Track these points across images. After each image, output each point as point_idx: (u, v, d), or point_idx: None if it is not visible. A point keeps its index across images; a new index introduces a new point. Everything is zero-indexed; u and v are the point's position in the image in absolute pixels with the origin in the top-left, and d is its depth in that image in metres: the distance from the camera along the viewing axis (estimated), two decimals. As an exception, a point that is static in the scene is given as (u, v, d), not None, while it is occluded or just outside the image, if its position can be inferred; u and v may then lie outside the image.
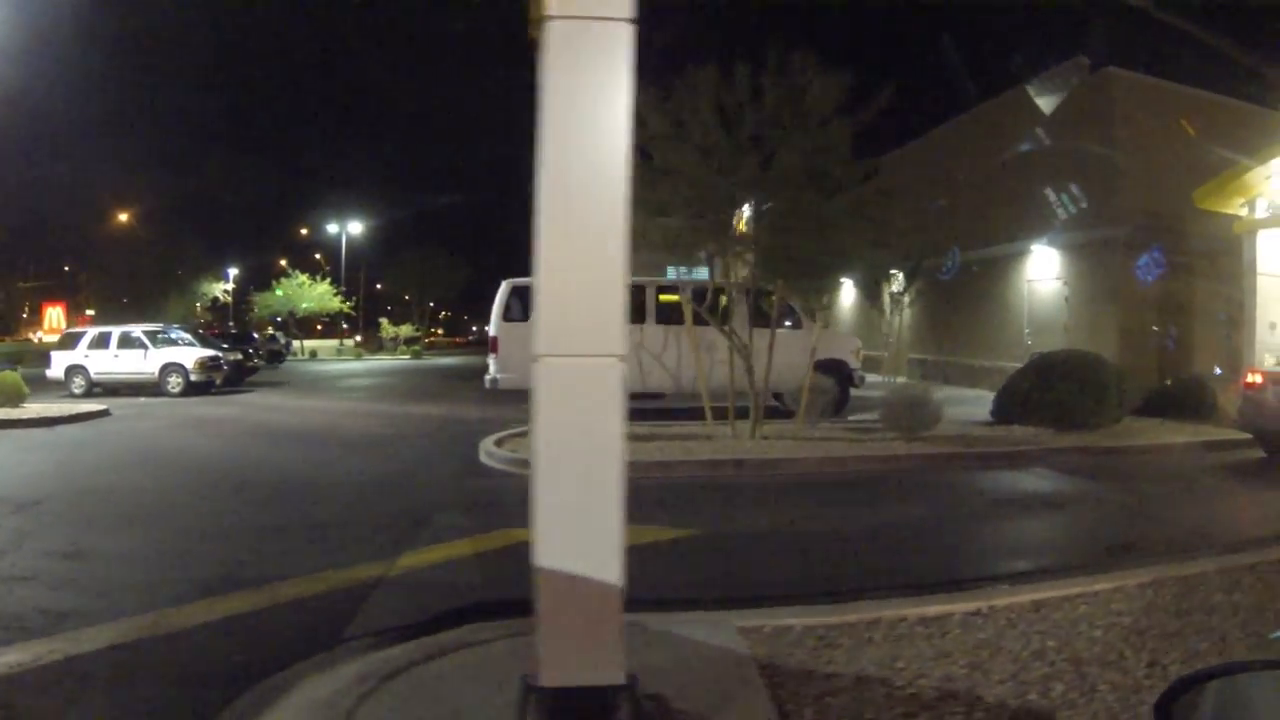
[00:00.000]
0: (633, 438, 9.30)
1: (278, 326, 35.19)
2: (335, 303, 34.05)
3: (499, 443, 8.10)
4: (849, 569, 4.44)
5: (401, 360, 32.51)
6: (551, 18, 2.05)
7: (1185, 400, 10.67)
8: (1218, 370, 10.90)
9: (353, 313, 35.86)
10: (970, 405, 10.99)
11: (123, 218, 34.57)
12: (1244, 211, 9.83)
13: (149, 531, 5.02)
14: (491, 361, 10.85)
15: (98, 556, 4.45)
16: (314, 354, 34.23)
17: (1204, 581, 3.87)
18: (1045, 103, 12.62)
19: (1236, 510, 5.96)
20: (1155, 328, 11.42)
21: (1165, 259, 10.69)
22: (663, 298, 10.91)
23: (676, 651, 2.88)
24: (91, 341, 16.15)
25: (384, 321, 37.74)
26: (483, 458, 7.70)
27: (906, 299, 14.92)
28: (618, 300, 2.15)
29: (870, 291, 16.13)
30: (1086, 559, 4.57)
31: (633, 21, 2.09)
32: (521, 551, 4.38)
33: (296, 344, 33.51)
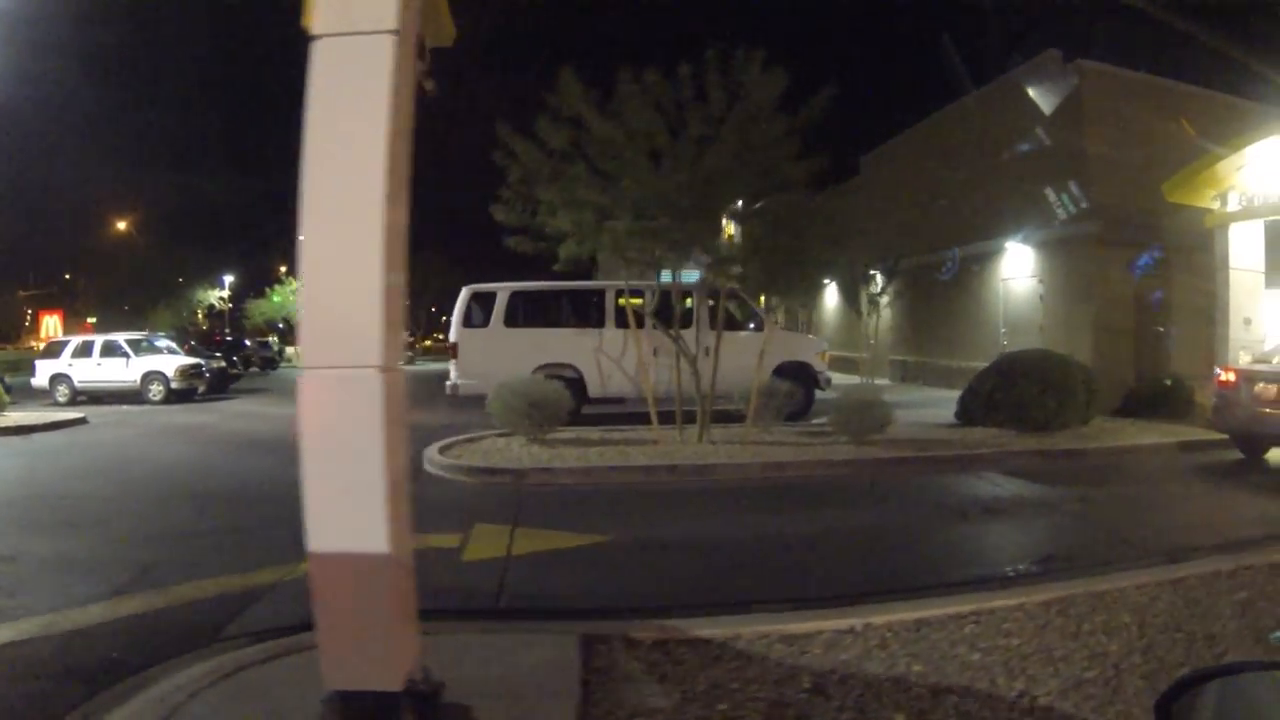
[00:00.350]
0: (576, 443, 9.17)
1: (281, 334, 35.26)
2: (329, 309, 33.95)
3: (443, 450, 8.00)
4: (747, 579, 4.25)
5: (394, 366, 32.29)
6: (318, 35, 2.11)
7: (1163, 400, 10.36)
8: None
9: (347, 319, 35.63)
10: (942, 407, 10.72)
11: (121, 225, 34.85)
12: (1216, 204, 9.52)
13: (87, 536, 5.15)
14: (452, 367, 10.81)
15: (30, 559, 4.57)
16: (307, 360, 34.12)
17: (1118, 599, 3.62)
18: (1018, 98, 12.34)
19: (1186, 518, 5.64)
20: (1160, 328, 11.07)
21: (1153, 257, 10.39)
22: (621, 302, 10.74)
23: (509, 662, 2.84)
24: (75, 350, 16.32)
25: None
26: (425, 464, 7.60)
27: (884, 300, 14.67)
28: (376, 310, 2.11)
29: (848, 293, 15.89)
30: (1009, 572, 4.33)
31: (395, 33, 2.09)
32: (429, 558, 4.26)
33: (291, 350, 33.51)
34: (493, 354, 10.22)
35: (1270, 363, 7.84)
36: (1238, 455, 7.96)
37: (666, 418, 8.58)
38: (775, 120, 7.25)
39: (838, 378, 17.65)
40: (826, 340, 12.31)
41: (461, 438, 8.67)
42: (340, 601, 2.11)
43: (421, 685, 2.24)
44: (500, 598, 3.93)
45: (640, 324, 9.05)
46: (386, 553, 2.08)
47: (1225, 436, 8.66)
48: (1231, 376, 7.75)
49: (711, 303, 10.94)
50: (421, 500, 6.18)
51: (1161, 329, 11.20)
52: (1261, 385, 7.36)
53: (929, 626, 3.30)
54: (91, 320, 36.00)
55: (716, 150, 7.18)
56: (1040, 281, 12.05)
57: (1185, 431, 9.08)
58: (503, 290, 10.77)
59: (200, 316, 38.62)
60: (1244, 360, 9.53)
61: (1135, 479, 7.12)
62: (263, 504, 5.94)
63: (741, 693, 2.68)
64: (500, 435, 8.72)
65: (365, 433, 2.10)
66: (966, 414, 9.31)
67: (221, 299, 38.11)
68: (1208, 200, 9.56)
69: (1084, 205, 10.76)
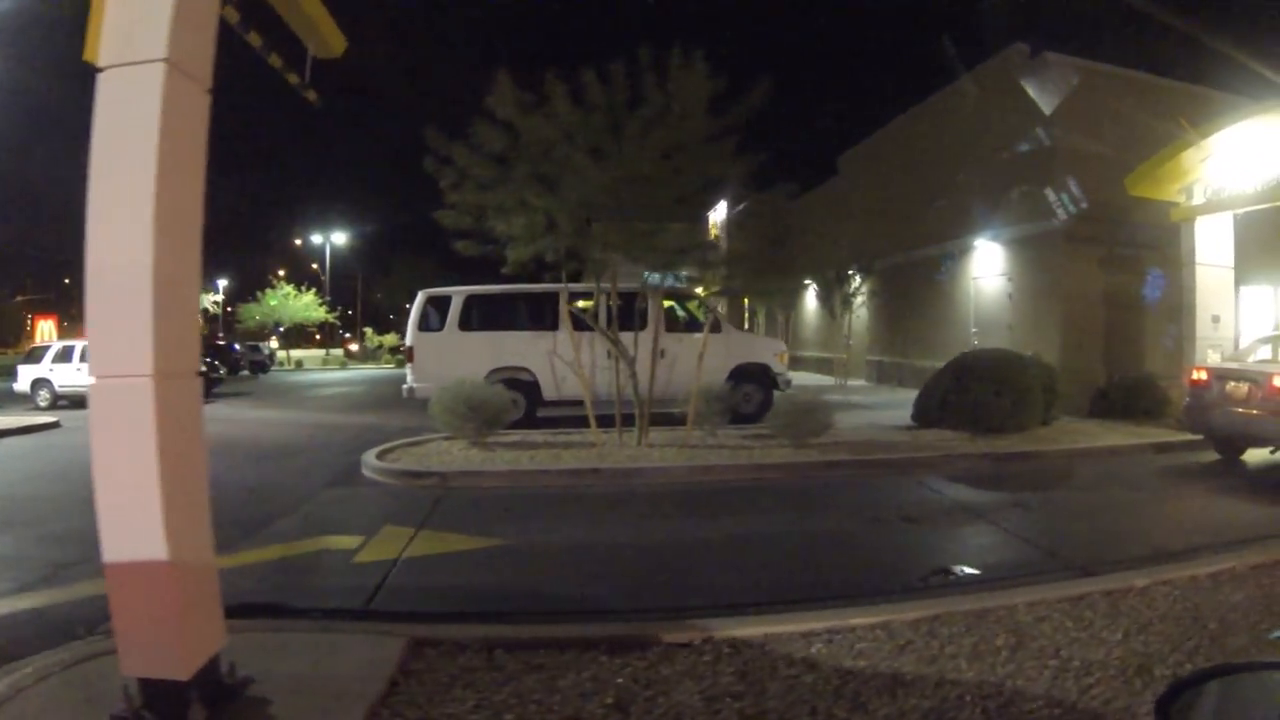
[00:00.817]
0: (516, 446, 8.95)
1: (280, 337, 35.31)
2: (320, 313, 34.07)
3: (381, 454, 7.92)
4: (620, 586, 4.09)
5: (383, 369, 32.37)
6: (104, 68, 2.26)
7: (1134, 400, 10.02)
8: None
9: (338, 323, 35.84)
10: (908, 409, 10.39)
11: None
12: (1182, 198, 9.19)
13: (14, 535, 5.17)
14: (408, 371, 10.72)
15: (-54, 557, 4.56)
16: (300, 364, 34.26)
17: (1002, 618, 3.33)
18: (985, 93, 12.06)
19: (1124, 526, 5.31)
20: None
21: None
22: (576, 304, 10.55)
23: (330, 661, 2.82)
24: (56, 355, 16.63)
25: (369, 331, 37.72)
26: (362, 467, 7.52)
27: (857, 300, 14.38)
28: (146, 323, 2.21)
29: (823, 295, 15.63)
30: (897, 585, 4.05)
31: (166, 61, 2.22)
32: (323, 558, 4.53)
33: (281, 354, 33.54)
34: (447, 357, 10.17)
35: (1244, 361, 7.54)
36: (1202, 457, 7.68)
37: (626, 420, 8.41)
38: (704, 119, 7.04)
39: (814, 379, 17.44)
40: (785, 343, 12.04)
41: (406, 441, 8.66)
42: (129, 600, 2.24)
43: (225, 678, 2.40)
44: (373, 599, 3.84)
45: (584, 327, 8.83)
46: (165, 560, 2.18)
47: (1194, 437, 8.37)
48: (1204, 375, 7.46)
49: (668, 305, 10.76)
50: (347, 503, 6.22)
51: (1131, 327, 10.88)
52: (1233, 384, 7.07)
53: (777, 642, 3.06)
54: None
55: (647, 149, 6.97)
56: (1009, 280, 11.75)
57: (1153, 433, 8.77)
58: (457, 294, 10.69)
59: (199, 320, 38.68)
60: (1213, 359, 9.21)
61: (1084, 484, 6.80)
62: None
63: (539, 705, 2.54)
64: (446, 439, 8.60)
65: (141, 442, 2.18)
66: (922, 416, 9.03)
67: (215, 303, 38.23)
68: (1173, 194, 9.25)
69: (1050, 201, 10.46)
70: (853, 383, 15.49)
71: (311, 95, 4.06)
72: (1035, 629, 3.24)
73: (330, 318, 34.50)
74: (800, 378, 18.56)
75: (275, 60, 3.79)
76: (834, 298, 14.61)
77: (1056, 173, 10.55)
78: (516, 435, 8.96)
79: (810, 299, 18.70)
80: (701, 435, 8.29)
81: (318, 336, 45.34)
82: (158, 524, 2.18)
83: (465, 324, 10.56)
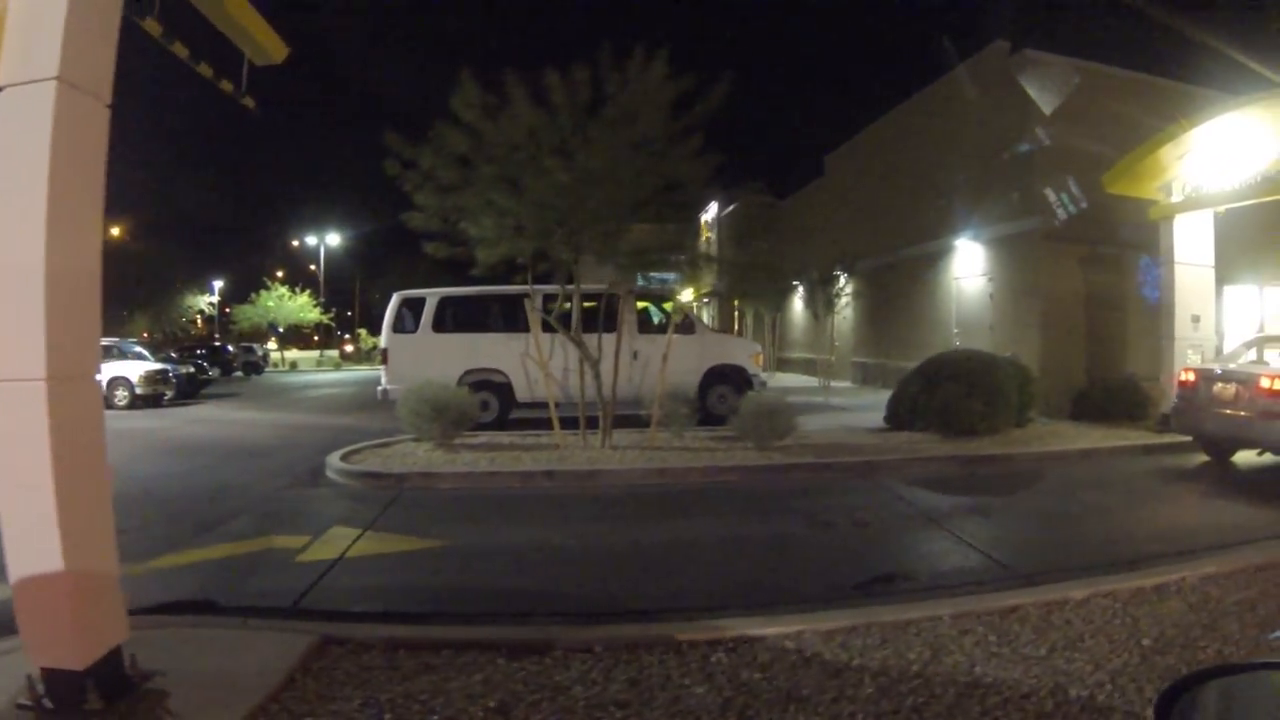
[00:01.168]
0: (481, 448, 8.90)
1: (279, 338, 35.30)
2: (315, 314, 34.03)
3: (346, 456, 7.88)
4: (549, 589, 4.05)
5: (376, 371, 32.26)
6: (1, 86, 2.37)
7: (1116, 401, 9.84)
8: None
9: (333, 324, 35.81)
10: (884, 411, 10.28)
11: (114, 231, 35.13)
12: (1161, 196, 9.02)
13: None
14: (383, 373, 10.68)
15: None
16: (294, 365, 34.24)
17: (917, 633, 3.20)
18: (965, 91, 11.90)
19: (1083, 534, 5.15)
20: (1113, 327, 10.55)
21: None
22: (558, 306, 10.47)
23: (237, 657, 2.87)
24: None
25: (363, 333, 37.68)
26: (326, 469, 7.48)
27: (841, 302, 14.22)
28: (38, 325, 2.27)
29: (808, 296, 15.47)
30: (825, 594, 3.91)
31: (59, 79, 2.31)
32: (266, 558, 4.58)
33: (276, 355, 33.52)
34: (421, 359, 10.16)
35: (1235, 362, 7.39)
36: (1180, 461, 7.53)
37: (593, 423, 8.32)
38: (664, 120, 6.93)
39: (800, 380, 17.29)
40: (775, 345, 11.92)
41: (374, 443, 8.64)
42: (30, 597, 2.34)
43: (127, 670, 2.52)
44: (303, 598, 3.83)
45: (549, 328, 8.75)
46: (59, 561, 2.29)
47: (1172, 440, 8.23)
48: (1191, 377, 7.32)
49: (643, 307, 10.65)
50: (304, 503, 6.31)
51: (1114, 328, 10.71)
52: (1220, 386, 6.92)
53: (679, 650, 2.96)
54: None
55: (608, 150, 6.87)
56: (990, 280, 11.58)
57: (1131, 435, 8.60)
58: (431, 296, 10.69)
59: (200, 322, 38.76)
60: (1193, 359, 9.04)
61: (1050, 488, 6.61)
62: (154, 505, 5.95)
63: (422, 705, 2.54)
64: (414, 441, 8.54)
65: (35, 445, 2.24)
66: (894, 418, 8.88)
67: (211, 304, 38.27)
68: (1153, 191, 9.07)
69: (1029, 200, 10.30)
70: (837, 384, 15.34)
71: (249, 102, 4.02)
72: (955, 643, 3.10)
73: (325, 319, 34.48)
74: (786, 379, 18.46)
75: (205, 70, 3.77)
76: (817, 299, 14.46)
77: (1035, 171, 10.40)
78: (484, 437, 8.91)
79: (798, 301, 18.56)
80: (667, 437, 8.17)
81: (316, 338, 45.37)
82: (53, 526, 2.28)
83: (439, 326, 10.53)
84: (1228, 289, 10.15)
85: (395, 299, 10.78)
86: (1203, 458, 7.52)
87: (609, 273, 9.28)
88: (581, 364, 8.10)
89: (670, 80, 6.81)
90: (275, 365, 33.01)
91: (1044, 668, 2.86)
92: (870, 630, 3.21)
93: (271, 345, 37.31)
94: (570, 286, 8.33)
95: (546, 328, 10.00)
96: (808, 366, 16.61)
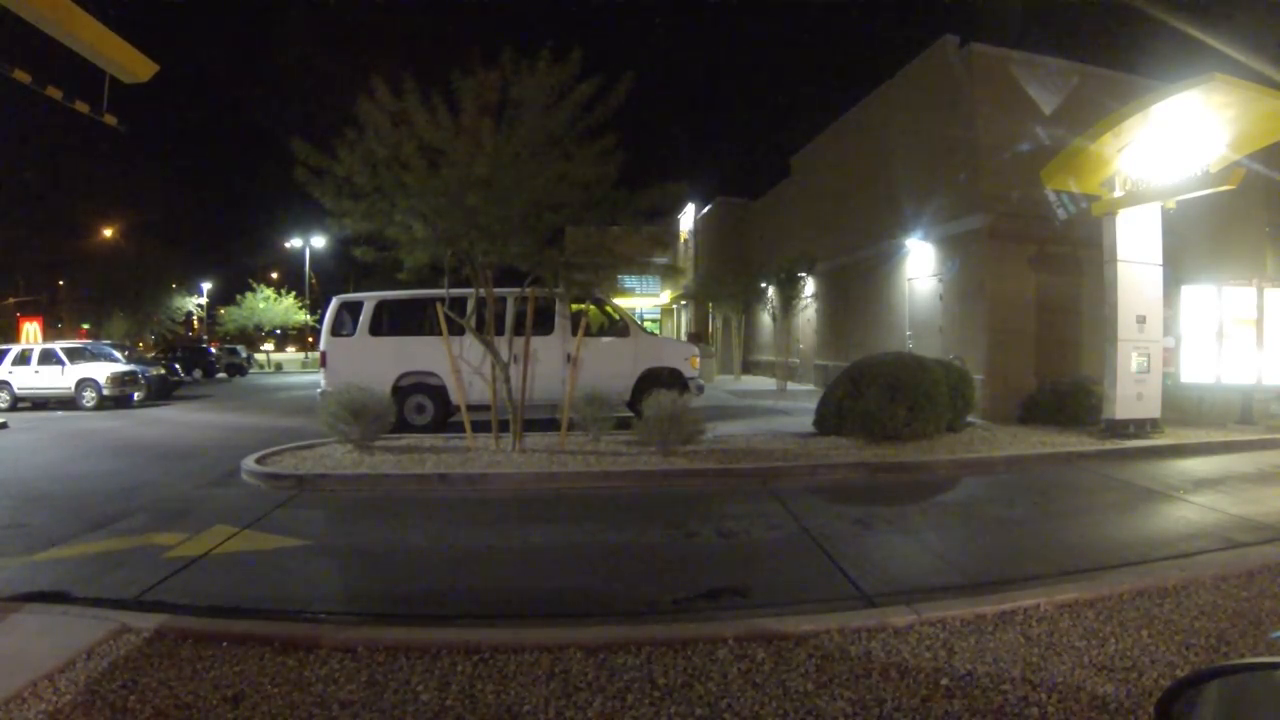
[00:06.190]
0: (398, 450, 8.79)
1: (274, 339, 35.30)
2: (301, 316, 34.00)
3: (262, 458, 7.87)
4: (379, 590, 4.08)
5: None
6: None
7: (1066, 406, 9.51)
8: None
9: (318, 326, 35.71)
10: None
11: (106, 233, 35.27)
12: (1105, 191, 8.67)
13: None
14: (322, 376, 10.61)
15: None
16: (279, 367, 34.22)
17: (677, 651, 2.98)
18: (914, 88, 11.58)
19: (967, 550, 4.79)
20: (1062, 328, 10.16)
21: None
22: (487, 311, 10.29)
23: (38, 640, 3.03)
24: (15, 358, 17.18)
25: (349, 335, 37.50)
26: (241, 470, 7.48)
27: (801, 303, 13.92)
28: None
29: (776, 298, 15.18)
30: (638, 607, 3.66)
31: None
32: (139, 553, 4.67)
33: (261, 357, 33.49)
34: (358, 362, 10.13)
35: None
36: (1112, 470, 7.15)
37: (549, 425, 8.18)
38: (563, 120, 6.71)
39: (762, 383, 16.96)
40: (699, 347, 11.61)
41: (296, 445, 8.66)
42: None
43: None
44: (149, 590, 3.93)
45: (470, 331, 8.58)
46: None
47: (1113, 446, 7.93)
48: None
49: (576, 309, 10.41)
50: (206, 502, 6.23)
51: (1067, 329, 10.34)
52: None
53: (434, 657, 2.92)
54: (85, 326, 36.53)
55: (504, 153, 6.67)
56: (940, 280, 11.25)
57: (1070, 442, 8.25)
58: (369, 299, 10.67)
59: (196, 324, 38.82)
60: (1139, 362, 8.69)
61: (954, 500, 6.15)
62: (66, 503, 6.16)
63: (170, 691, 2.65)
64: (339, 443, 8.42)
65: None
66: (822, 423, 8.59)
67: (200, 306, 38.33)
68: (1095, 186, 8.73)
69: (972, 198, 9.98)
70: (799, 387, 15.02)
71: (111, 120, 4.05)
72: (722, 669, 2.83)
73: (312, 321, 34.41)
74: (752, 382, 18.13)
75: (54, 92, 3.82)
76: (779, 300, 14.16)
77: (980, 167, 10.07)
78: (409, 439, 8.78)
79: (765, 302, 18.27)
80: (582, 441, 7.93)
81: (311, 339, 45.43)
82: None
83: (376, 329, 10.46)
84: (1185, 289, 9.75)
85: (334, 302, 10.75)
86: (1133, 468, 7.18)
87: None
88: (494, 367, 7.89)
89: (574, 82, 6.63)
90: (261, 367, 33.01)
91: (798, 708, 2.52)
92: (639, 649, 2.96)
93: (269, 347, 37.33)
94: (495, 290, 8.22)
95: (452, 330, 9.87)
96: (773, 369, 16.28)
